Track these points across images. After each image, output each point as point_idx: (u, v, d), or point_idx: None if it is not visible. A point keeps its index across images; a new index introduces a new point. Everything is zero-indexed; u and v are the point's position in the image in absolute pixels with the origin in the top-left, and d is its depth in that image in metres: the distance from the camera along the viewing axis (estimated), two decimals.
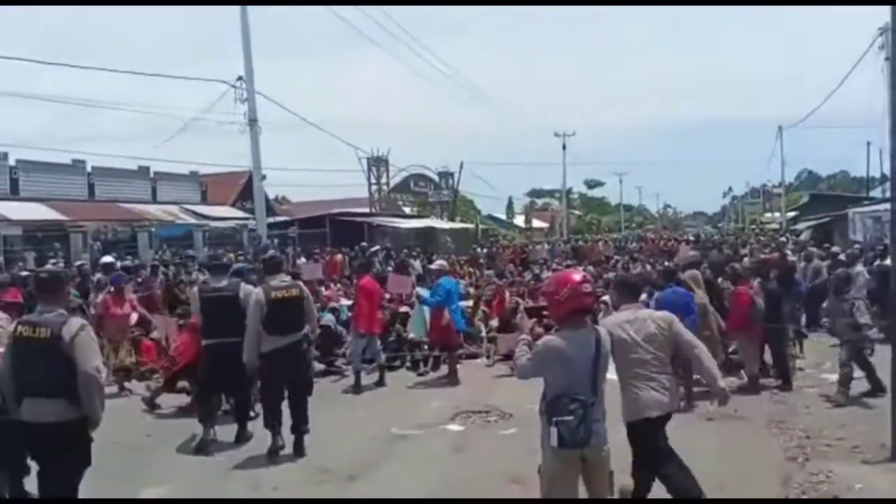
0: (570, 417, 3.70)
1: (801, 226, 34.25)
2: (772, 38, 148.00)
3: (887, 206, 15.95)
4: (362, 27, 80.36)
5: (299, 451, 6.65)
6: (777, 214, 48.42)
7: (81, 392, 4.19)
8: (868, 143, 40.28)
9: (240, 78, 19.97)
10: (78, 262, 16.39)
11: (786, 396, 8.48)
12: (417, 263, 17.96)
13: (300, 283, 7.75)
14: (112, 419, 4.76)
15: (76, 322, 4.31)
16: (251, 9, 19.90)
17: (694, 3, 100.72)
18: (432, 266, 11.29)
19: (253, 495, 5.82)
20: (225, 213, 32.62)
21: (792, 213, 43.63)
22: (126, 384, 9.56)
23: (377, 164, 35.30)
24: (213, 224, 30.03)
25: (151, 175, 31.01)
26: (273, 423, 6.69)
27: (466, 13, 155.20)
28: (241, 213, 32.65)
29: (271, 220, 25.89)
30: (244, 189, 32.51)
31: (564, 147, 51.68)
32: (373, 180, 35.31)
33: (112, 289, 10.11)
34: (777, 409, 7.99)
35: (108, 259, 14.22)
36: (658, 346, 4.47)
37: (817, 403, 8.18)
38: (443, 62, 67.31)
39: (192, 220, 29.60)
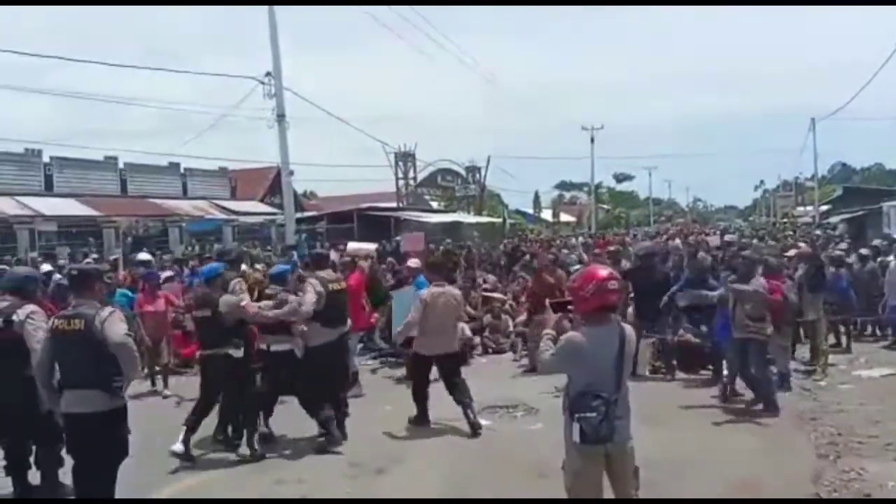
0: (593, 414, 3.68)
1: (834, 219, 33.65)
2: (804, 28, 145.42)
3: None
4: (389, 22, 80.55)
5: (342, 433, 6.90)
6: (810, 208, 47.58)
7: (121, 362, 4.32)
8: None
9: (268, 74, 20.08)
10: (112, 257, 16.62)
11: (818, 394, 8.38)
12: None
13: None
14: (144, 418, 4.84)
15: (107, 310, 4.46)
16: (279, 6, 20.01)
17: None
18: (409, 264, 10.48)
19: (279, 488, 5.89)
20: (254, 209, 32.96)
21: (825, 207, 42.85)
22: (161, 388, 9.45)
23: (404, 158, 35.34)
24: (242, 219, 30.37)
25: (182, 171, 31.44)
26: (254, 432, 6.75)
27: (497, 9, 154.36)
28: (269, 209, 32.95)
29: (299, 215, 26.04)
30: (272, 184, 32.80)
31: (593, 140, 51.32)
32: (400, 175, 35.37)
33: (146, 286, 10.06)
34: (808, 405, 7.89)
35: (144, 256, 14.27)
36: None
37: (850, 400, 8.06)
38: (470, 56, 66.74)
39: (222, 216, 29.96)
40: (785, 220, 47.62)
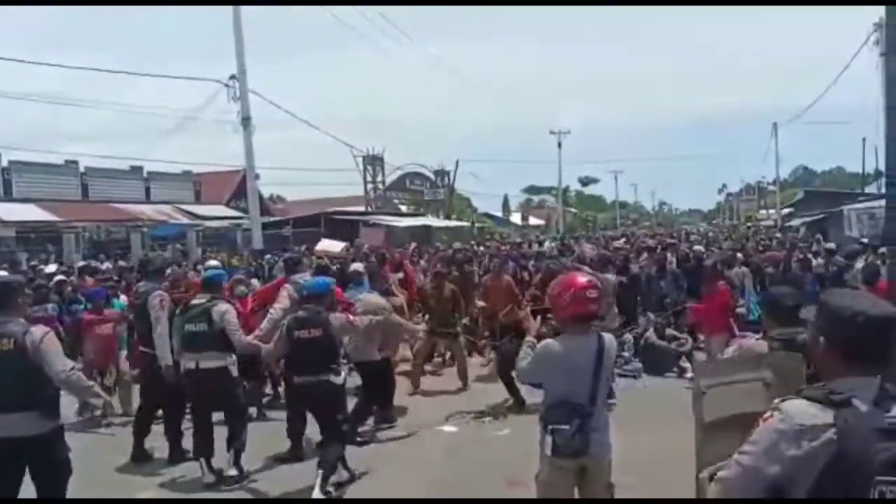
0: (567, 426, 3.54)
1: (795, 222, 34.28)
2: (767, 34, 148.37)
3: (882, 202, 15.97)
4: (357, 25, 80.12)
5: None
6: (772, 211, 48.51)
7: (71, 393, 4.05)
8: (864, 139, 40.33)
9: (232, 76, 19.83)
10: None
11: None
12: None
13: None
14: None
15: (38, 331, 4.10)
16: (244, 7, 19.78)
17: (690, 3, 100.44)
18: (353, 268, 9.27)
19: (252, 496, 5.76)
20: (219, 213, 32.55)
21: (787, 210, 43.68)
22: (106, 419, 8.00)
23: (373, 162, 35.26)
24: (207, 224, 29.95)
25: (145, 175, 30.94)
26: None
27: (463, 11, 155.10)
28: (235, 213, 32.57)
29: (266, 219, 25.78)
30: (238, 188, 32.44)
31: (560, 145, 51.71)
32: (368, 179, 35.25)
33: (90, 305, 9.01)
34: None
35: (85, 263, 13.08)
36: None
37: None
38: (439, 60, 66.92)
39: (186, 220, 29.52)
40: (749, 223, 48.40)
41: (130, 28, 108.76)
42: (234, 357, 6.13)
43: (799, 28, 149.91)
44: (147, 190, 31.20)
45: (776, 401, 2.02)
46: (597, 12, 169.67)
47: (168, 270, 8.81)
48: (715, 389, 2.86)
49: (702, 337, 9.41)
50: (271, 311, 6.74)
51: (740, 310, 10.02)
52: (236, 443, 6.07)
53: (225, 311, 6.06)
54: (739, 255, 13.56)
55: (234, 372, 6.17)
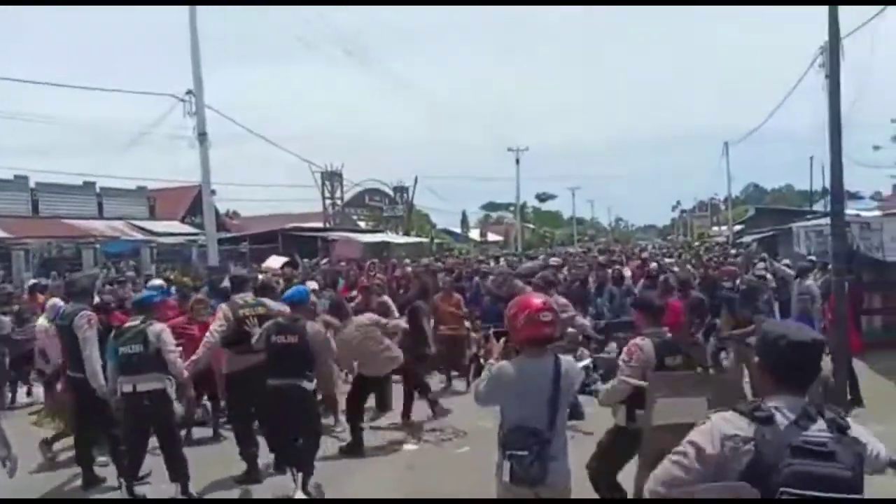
0: (525, 452, 3.42)
1: (746, 239, 35.10)
2: (718, 55, 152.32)
3: (829, 220, 16.44)
4: (316, 42, 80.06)
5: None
6: (724, 228, 49.61)
7: None
8: (811, 158, 41.57)
9: (189, 91, 19.58)
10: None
11: None
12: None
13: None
14: None
15: None
16: (201, 21, 19.54)
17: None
18: (310, 285, 9.53)
19: None
20: (173, 229, 32.03)
21: (738, 227, 44.71)
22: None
23: (331, 178, 35.12)
24: (161, 240, 29.44)
25: (97, 190, 30.32)
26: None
27: (422, 27, 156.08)
28: (190, 229, 32.07)
29: (222, 235, 25.44)
30: (193, 204, 32.01)
31: (518, 162, 52.20)
32: (327, 195, 35.09)
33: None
34: None
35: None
36: None
37: None
38: (397, 77, 67.16)
39: (140, 236, 28.98)
40: (700, 240, 49.43)
41: (82, 41, 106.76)
42: (171, 379, 6.01)
43: (752, 49, 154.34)
44: (100, 206, 30.58)
45: (711, 412, 2.36)
46: (554, 31, 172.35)
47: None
48: (666, 400, 3.06)
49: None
50: (207, 334, 6.57)
51: None
52: (181, 476, 5.91)
53: (160, 330, 5.96)
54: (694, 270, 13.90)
55: (172, 394, 6.07)
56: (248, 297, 7.00)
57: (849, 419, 2.29)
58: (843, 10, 7.02)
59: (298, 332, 6.03)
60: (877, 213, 14.40)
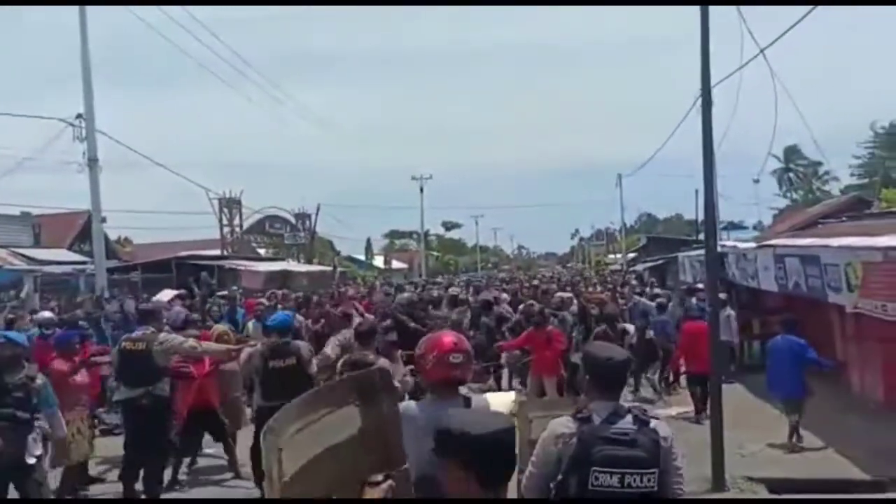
0: None
1: (639, 266, 36.65)
2: (611, 88, 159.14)
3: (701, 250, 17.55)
4: (212, 65, 78.43)
5: None
6: (619, 256, 51.64)
7: None
8: (696, 191, 43.86)
9: (79, 116, 18.86)
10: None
11: None
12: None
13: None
14: None
15: None
16: (93, 44, 18.90)
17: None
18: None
19: None
20: (60, 257, 30.40)
21: (632, 255, 46.63)
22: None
23: (229, 205, 34.34)
24: (47, 269, 27.87)
25: None
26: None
27: (325, 53, 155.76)
28: (78, 257, 30.54)
29: (112, 263, 24.40)
30: (82, 230, 30.54)
31: (422, 190, 52.74)
32: (225, 222, 34.26)
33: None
34: None
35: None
36: None
37: None
38: (299, 103, 66.78)
39: (23, 265, 27.35)
40: (597, 267, 51.28)
41: None
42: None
43: (644, 85, 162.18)
44: None
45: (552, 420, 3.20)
46: (454, 58, 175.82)
47: None
48: (540, 419, 3.44)
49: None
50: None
51: None
52: None
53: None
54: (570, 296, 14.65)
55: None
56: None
57: (652, 415, 3.19)
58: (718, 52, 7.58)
59: (296, 353, 6.73)
60: (751, 244, 15.42)
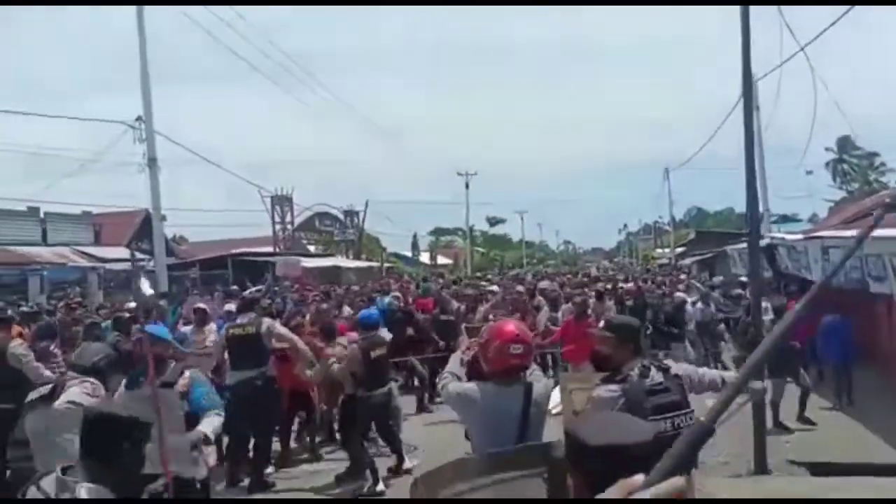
0: None
1: (687, 261, 36.32)
2: (659, 83, 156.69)
3: (761, 242, 17.47)
4: (263, 66, 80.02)
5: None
6: (667, 250, 51.12)
7: None
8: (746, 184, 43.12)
9: (139, 118, 19.66)
10: None
11: None
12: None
13: None
14: None
15: None
16: (150, 46, 19.65)
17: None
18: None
19: None
20: (120, 255, 31.61)
21: (680, 249, 46.13)
22: None
23: (281, 202, 35.16)
24: (108, 266, 29.04)
25: (41, 216, 29.81)
26: None
27: (372, 52, 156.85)
28: (137, 255, 31.70)
29: (171, 260, 25.30)
30: (140, 229, 31.67)
31: (468, 186, 52.96)
32: (277, 219, 35.09)
33: None
34: None
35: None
36: None
37: None
38: (345, 102, 67.57)
39: (86, 263, 28.55)
40: (645, 262, 50.85)
41: (26, 66, 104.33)
42: None
43: (690, 80, 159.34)
44: (44, 232, 30.03)
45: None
46: (502, 53, 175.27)
47: None
48: (578, 391, 4.22)
49: None
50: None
51: None
52: None
53: None
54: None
55: None
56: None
57: (668, 361, 3.86)
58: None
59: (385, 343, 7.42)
60: (799, 235, 15.37)
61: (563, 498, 2.13)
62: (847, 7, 8.60)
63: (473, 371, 3.82)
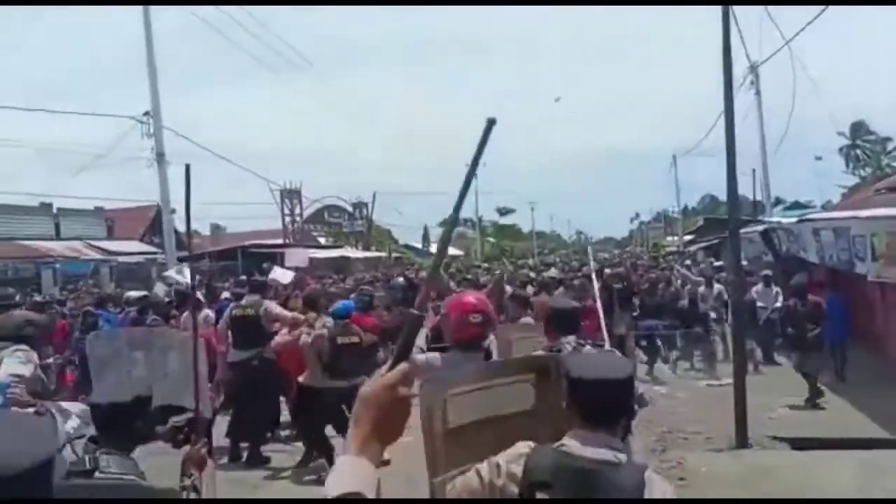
0: None
1: (693, 248, 36.38)
2: (665, 71, 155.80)
3: (756, 227, 17.57)
4: (266, 57, 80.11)
5: None
6: (676, 238, 51.11)
7: None
8: (753, 171, 43.00)
9: (146, 113, 19.93)
10: None
11: (658, 400, 9.45)
12: None
13: None
14: None
15: None
16: (157, 40, 19.87)
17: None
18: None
19: None
20: (132, 248, 32.10)
21: (689, 237, 46.10)
22: None
23: (290, 195, 35.51)
24: (121, 259, 29.52)
25: (54, 211, 30.33)
26: None
27: (375, 42, 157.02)
28: (149, 248, 32.16)
29: (182, 253, 25.63)
30: (152, 223, 32.11)
31: (477, 176, 52.91)
32: (286, 211, 35.46)
33: None
34: (647, 410, 8.89)
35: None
36: None
37: (684, 404, 9.18)
38: (351, 92, 67.68)
39: (98, 256, 29.03)
40: (655, 250, 50.82)
41: (36, 63, 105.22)
42: None
43: (696, 67, 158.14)
44: (57, 226, 30.56)
45: None
46: (510, 43, 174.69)
47: None
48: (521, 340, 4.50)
49: None
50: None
51: None
52: None
53: None
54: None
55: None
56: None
57: None
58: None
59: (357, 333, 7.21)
60: (793, 219, 15.53)
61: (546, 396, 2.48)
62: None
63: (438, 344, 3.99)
